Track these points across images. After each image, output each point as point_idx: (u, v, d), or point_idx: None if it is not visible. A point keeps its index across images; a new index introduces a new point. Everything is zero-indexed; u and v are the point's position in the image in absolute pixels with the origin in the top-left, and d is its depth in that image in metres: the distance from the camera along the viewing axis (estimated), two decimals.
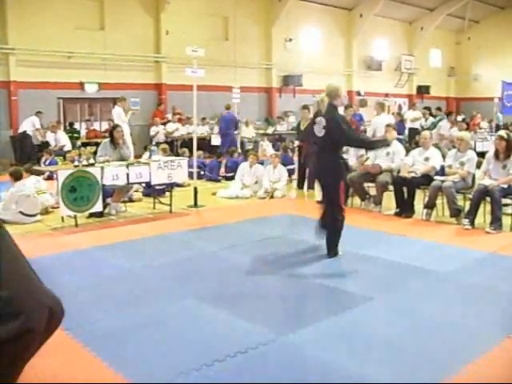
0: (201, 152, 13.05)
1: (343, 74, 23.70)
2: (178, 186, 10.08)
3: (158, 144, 14.46)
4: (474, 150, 9.49)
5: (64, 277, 5.11)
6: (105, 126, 16.14)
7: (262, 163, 11.07)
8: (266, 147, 17.55)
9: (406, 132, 16.21)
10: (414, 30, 26.86)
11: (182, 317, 4.25)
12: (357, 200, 8.83)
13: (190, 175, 9.59)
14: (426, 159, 8.21)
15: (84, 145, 15.11)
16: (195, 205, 8.90)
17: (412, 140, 15.15)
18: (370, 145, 6.93)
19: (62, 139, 14.42)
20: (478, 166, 7.98)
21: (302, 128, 10.70)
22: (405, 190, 8.10)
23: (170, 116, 17.20)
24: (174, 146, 15.68)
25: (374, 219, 7.97)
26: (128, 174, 7.83)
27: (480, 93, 26.83)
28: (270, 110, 21.02)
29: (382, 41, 25.36)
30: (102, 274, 5.35)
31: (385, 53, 25.35)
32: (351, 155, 9.13)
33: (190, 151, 11.25)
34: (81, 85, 15.92)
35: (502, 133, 7.71)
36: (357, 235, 6.79)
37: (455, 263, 5.71)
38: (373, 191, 8.70)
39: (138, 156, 12.00)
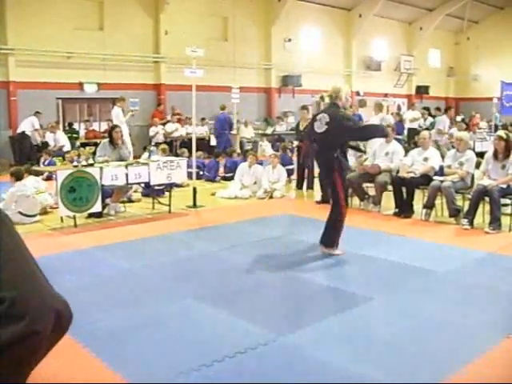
0: (200, 152, 13.05)
1: (342, 74, 23.72)
2: (177, 186, 10.07)
3: (157, 144, 14.46)
4: (473, 150, 9.51)
5: (63, 277, 5.10)
6: (104, 126, 16.14)
7: (261, 163, 11.06)
8: (265, 147, 17.57)
9: (405, 132, 16.22)
10: (413, 30, 26.88)
11: (182, 317, 4.25)
12: (356, 200, 8.83)
13: (189, 175, 9.59)
14: (425, 159, 8.22)
15: (83, 145, 15.11)
16: (194, 205, 8.90)
17: (411, 140, 15.15)
18: (371, 132, 6.55)
19: (61, 139, 14.42)
20: (477, 166, 7.99)
21: (301, 128, 10.70)
22: (404, 190, 8.11)
23: (169, 116, 17.20)
24: (173, 147, 15.68)
25: (373, 219, 7.97)
26: (127, 175, 7.83)
27: (479, 93, 26.85)
28: (269, 111, 21.03)
29: (381, 41, 25.38)
30: (102, 274, 5.34)
31: (384, 53, 25.37)
32: (350, 155, 9.12)
33: (190, 151, 11.25)
34: (80, 85, 15.92)
35: (501, 133, 7.71)
36: (356, 235, 6.79)
37: (454, 263, 5.72)
38: (372, 191, 8.71)
39: (137, 156, 12.00)
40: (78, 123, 16.41)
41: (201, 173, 11.69)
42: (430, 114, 17.24)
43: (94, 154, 8.37)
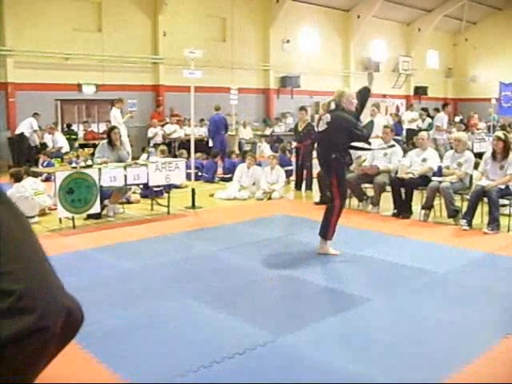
0: (200, 154, 13.04)
1: (341, 75, 23.74)
2: (176, 187, 10.07)
3: (155, 145, 14.45)
4: (472, 150, 9.52)
5: (63, 278, 5.04)
6: (102, 127, 16.14)
7: (259, 164, 11.06)
8: (264, 148, 17.58)
9: (404, 133, 16.22)
10: (412, 31, 26.92)
11: (181, 318, 4.25)
12: (354, 201, 8.83)
13: (188, 176, 9.60)
14: (424, 160, 8.23)
15: (82, 146, 15.01)
16: (193, 206, 8.90)
17: (409, 141, 15.16)
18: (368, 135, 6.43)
19: (59, 141, 14.41)
20: (476, 166, 8.00)
21: (300, 129, 10.71)
22: (402, 190, 8.11)
23: (168, 118, 17.20)
24: (172, 148, 15.68)
25: (372, 220, 7.97)
26: (126, 176, 7.83)
27: (477, 94, 26.90)
28: (268, 111, 21.04)
29: (379, 42, 25.41)
30: (101, 275, 5.34)
31: (382, 54, 25.40)
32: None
33: (189, 153, 11.25)
34: (78, 86, 15.92)
35: (500, 133, 7.73)
36: (355, 236, 6.80)
37: (453, 264, 5.72)
38: (370, 192, 8.71)
39: (135, 157, 11.99)
40: (77, 124, 16.41)
41: (199, 174, 11.69)
42: (428, 115, 17.25)
43: (92, 155, 8.35)
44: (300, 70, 21.22)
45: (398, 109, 23.56)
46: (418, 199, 8.18)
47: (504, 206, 7.53)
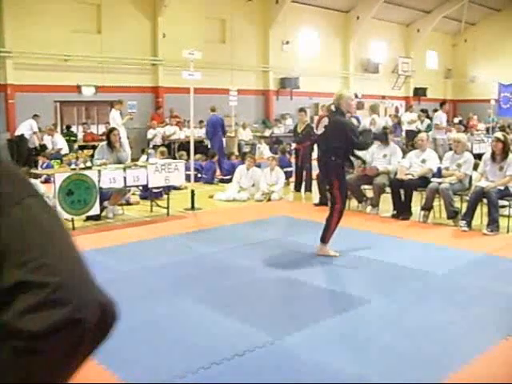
0: (199, 155, 13.02)
1: (340, 77, 23.75)
2: (175, 188, 10.07)
3: (155, 147, 14.44)
4: (471, 151, 9.52)
5: None
6: (102, 129, 16.15)
7: (259, 166, 11.06)
8: (264, 150, 17.57)
9: (403, 134, 16.23)
10: (411, 32, 26.93)
11: (179, 319, 4.25)
12: (354, 202, 8.83)
13: (188, 178, 9.59)
14: (423, 161, 8.23)
15: (81, 148, 15.01)
16: (192, 208, 8.90)
17: (409, 142, 15.16)
18: (365, 146, 6.55)
19: (59, 142, 14.41)
20: (475, 167, 8.00)
21: (299, 130, 10.71)
22: (402, 192, 8.11)
23: (167, 119, 17.19)
24: (172, 149, 15.67)
25: (371, 221, 7.97)
26: (125, 177, 7.83)
27: (476, 95, 26.89)
28: (267, 113, 21.04)
29: (378, 43, 25.42)
30: (100, 276, 5.24)
31: (382, 55, 25.41)
32: None
33: (188, 154, 11.24)
34: (78, 88, 15.92)
35: (499, 134, 7.74)
36: (354, 237, 6.80)
37: (452, 265, 5.72)
38: (370, 193, 8.71)
39: (135, 159, 11.98)
40: (76, 126, 16.41)
41: (199, 175, 11.68)
42: (427, 116, 17.25)
43: (92, 156, 8.35)
44: (299, 71, 21.22)
45: (397, 110, 23.55)
46: (417, 200, 8.18)
47: (503, 207, 7.54)
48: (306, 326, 4.04)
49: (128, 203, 9.19)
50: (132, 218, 8.45)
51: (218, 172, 12.35)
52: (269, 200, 9.82)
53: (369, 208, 8.62)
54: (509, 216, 7.21)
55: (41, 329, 0.77)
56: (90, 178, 7.44)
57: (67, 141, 14.83)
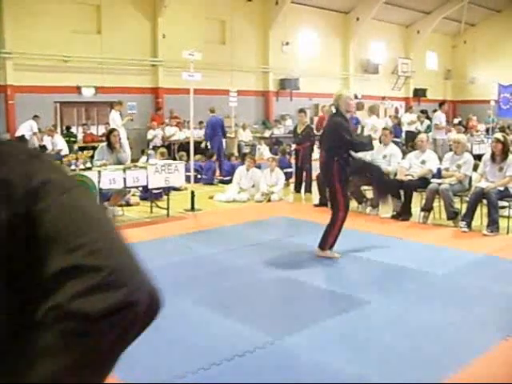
0: (199, 156, 13.02)
1: (340, 78, 23.76)
2: (175, 189, 10.07)
3: (155, 148, 14.44)
4: (471, 152, 9.53)
5: None
6: (102, 130, 16.13)
7: (259, 167, 11.06)
8: (263, 151, 17.57)
9: (403, 135, 16.24)
10: (411, 33, 26.94)
11: (180, 319, 4.24)
12: (354, 203, 8.81)
13: (188, 179, 9.59)
14: (423, 162, 8.23)
15: (81, 149, 15.00)
16: (192, 208, 8.89)
17: (409, 143, 15.17)
18: (360, 147, 6.45)
19: (58, 143, 14.40)
20: (475, 168, 8.00)
21: (299, 131, 10.70)
22: (402, 192, 8.11)
23: (167, 120, 17.19)
24: (172, 150, 15.67)
25: (371, 222, 7.97)
26: (125, 178, 7.82)
27: (476, 95, 26.90)
28: (267, 114, 21.04)
29: (378, 44, 25.43)
30: None
31: (381, 56, 25.42)
32: None
33: (188, 155, 11.25)
34: (77, 89, 15.91)
35: (499, 135, 7.74)
36: (354, 238, 6.79)
37: (452, 265, 5.72)
38: (370, 194, 8.71)
39: (135, 160, 11.98)
40: (76, 127, 16.39)
41: (199, 176, 11.68)
42: (427, 117, 17.26)
43: (91, 157, 8.35)
44: (299, 72, 21.22)
45: (397, 111, 23.57)
46: (417, 201, 8.19)
47: (503, 207, 7.54)
48: (305, 327, 4.05)
49: (128, 204, 9.18)
50: (132, 218, 8.45)
51: (217, 172, 12.35)
52: (269, 201, 9.81)
53: (369, 209, 8.62)
54: (508, 217, 7.22)
55: (97, 311, 0.77)
56: (89, 179, 7.43)
57: (67, 142, 14.82)
